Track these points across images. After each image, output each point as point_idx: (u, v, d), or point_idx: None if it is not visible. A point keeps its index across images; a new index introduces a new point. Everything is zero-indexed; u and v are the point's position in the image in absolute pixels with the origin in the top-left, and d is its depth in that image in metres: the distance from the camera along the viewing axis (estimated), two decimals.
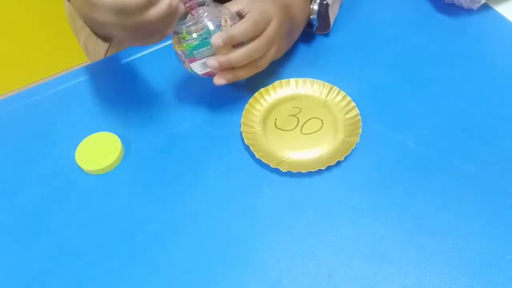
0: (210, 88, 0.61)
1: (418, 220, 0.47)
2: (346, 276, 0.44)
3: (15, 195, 0.53)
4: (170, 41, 0.68)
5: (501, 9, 0.67)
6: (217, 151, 0.54)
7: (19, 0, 1.47)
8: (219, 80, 0.51)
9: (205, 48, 0.50)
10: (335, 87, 0.57)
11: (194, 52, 0.50)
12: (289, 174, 0.51)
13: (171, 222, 0.49)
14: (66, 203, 0.52)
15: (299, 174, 0.51)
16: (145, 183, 0.52)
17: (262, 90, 0.58)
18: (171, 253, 0.47)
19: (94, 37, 0.59)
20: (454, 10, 0.67)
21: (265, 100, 0.58)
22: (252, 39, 0.50)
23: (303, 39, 0.66)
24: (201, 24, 0.49)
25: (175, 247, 0.47)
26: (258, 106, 0.57)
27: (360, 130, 0.53)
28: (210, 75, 0.52)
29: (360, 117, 0.54)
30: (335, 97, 0.57)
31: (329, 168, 0.51)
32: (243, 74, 0.52)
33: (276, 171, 0.51)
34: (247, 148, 0.53)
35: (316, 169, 0.50)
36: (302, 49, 0.65)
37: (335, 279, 0.44)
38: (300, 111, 0.57)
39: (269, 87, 0.58)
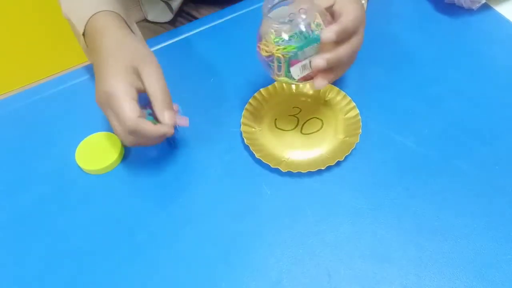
0: (210, 88, 0.61)
1: (418, 220, 0.47)
2: (346, 276, 0.44)
3: (15, 195, 0.53)
4: (169, 41, 0.68)
5: (501, 9, 0.67)
6: (217, 151, 0.54)
7: (19, 0, 1.47)
8: (322, 82, 0.46)
9: (309, 47, 0.45)
10: (335, 87, 0.57)
11: (299, 52, 0.45)
12: (289, 174, 0.51)
13: (171, 222, 0.49)
14: (66, 203, 0.52)
15: (299, 174, 0.51)
16: (145, 183, 0.52)
17: (262, 90, 0.58)
18: (171, 253, 0.47)
19: None
20: (454, 10, 0.67)
21: (265, 100, 0.58)
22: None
23: None
24: (289, 26, 0.45)
25: (175, 247, 0.47)
26: (258, 106, 0.57)
27: (360, 130, 0.53)
28: (306, 79, 0.47)
29: (360, 117, 0.54)
30: (335, 97, 0.57)
31: (329, 168, 0.51)
32: (342, 71, 0.48)
33: (276, 171, 0.51)
34: (247, 148, 0.53)
35: (316, 169, 0.50)
36: None
37: (335, 279, 0.44)
38: (300, 111, 0.57)
39: (269, 87, 0.58)
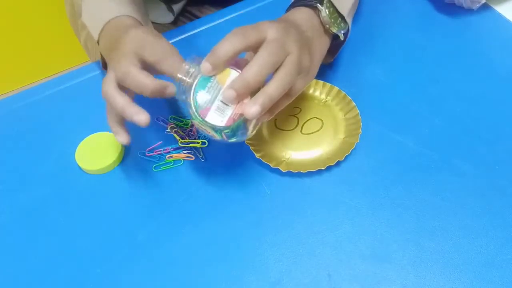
0: None
1: (418, 220, 0.47)
2: (346, 276, 0.44)
3: (15, 195, 0.53)
4: (170, 41, 0.68)
5: (501, 9, 0.67)
6: (217, 151, 0.54)
7: (19, 0, 1.47)
8: (253, 108, 0.39)
9: (207, 86, 0.42)
10: (335, 87, 0.57)
11: (197, 96, 0.42)
12: (289, 174, 0.51)
13: (171, 222, 0.49)
14: (66, 203, 0.52)
15: (299, 174, 0.51)
16: (145, 183, 0.52)
17: None
18: (171, 253, 0.47)
19: None
20: (454, 10, 0.67)
21: None
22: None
23: None
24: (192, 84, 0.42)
25: (175, 247, 0.47)
26: None
27: (360, 130, 0.53)
28: (240, 117, 0.42)
29: (360, 117, 0.54)
30: (335, 97, 0.57)
31: (329, 168, 0.51)
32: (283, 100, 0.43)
33: (276, 171, 0.51)
34: (247, 148, 0.53)
35: (316, 169, 0.50)
36: None
37: (335, 279, 0.44)
38: (300, 111, 0.57)
39: None
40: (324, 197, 0.50)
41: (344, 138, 0.54)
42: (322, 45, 0.50)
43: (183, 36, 0.69)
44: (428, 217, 0.47)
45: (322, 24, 0.50)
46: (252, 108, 0.39)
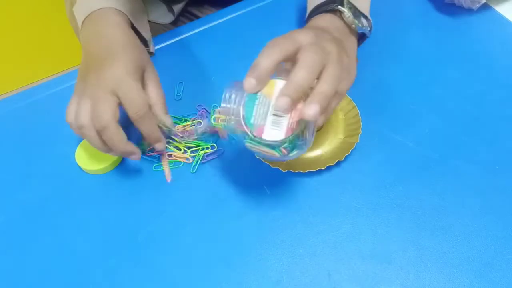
0: (210, 88, 0.61)
1: (418, 220, 0.47)
2: (346, 276, 0.44)
3: (15, 195, 0.53)
4: (169, 41, 0.68)
5: (501, 9, 0.67)
6: (216, 150, 0.54)
7: (19, 0, 1.47)
8: (312, 108, 0.37)
9: (255, 104, 0.40)
10: None
11: (250, 117, 0.40)
12: (289, 174, 0.51)
13: (171, 222, 0.49)
14: (66, 203, 0.52)
15: (299, 174, 0.51)
16: (145, 183, 0.52)
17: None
18: (171, 252, 0.47)
19: None
20: (454, 10, 0.67)
21: None
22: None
23: None
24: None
25: (175, 247, 0.47)
26: None
27: (360, 130, 0.52)
28: (297, 125, 0.40)
29: (360, 117, 0.54)
30: None
31: (329, 168, 0.51)
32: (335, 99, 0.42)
33: (276, 171, 0.51)
34: (247, 148, 0.53)
35: (316, 169, 0.50)
36: None
37: (335, 279, 0.44)
38: None
39: None
40: (324, 197, 0.50)
41: (344, 138, 0.54)
42: (352, 44, 0.51)
43: (183, 36, 0.69)
44: (428, 217, 0.47)
45: (347, 25, 0.51)
46: (312, 108, 0.37)
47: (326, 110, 0.42)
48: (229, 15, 0.71)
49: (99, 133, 0.46)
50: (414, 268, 0.44)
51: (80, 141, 0.56)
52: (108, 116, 0.45)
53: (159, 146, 0.50)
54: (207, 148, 0.54)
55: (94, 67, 0.48)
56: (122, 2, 0.55)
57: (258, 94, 0.40)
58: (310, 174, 0.51)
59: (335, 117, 0.56)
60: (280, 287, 0.44)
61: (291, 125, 0.40)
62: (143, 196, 0.51)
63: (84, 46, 0.52)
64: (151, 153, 0.54)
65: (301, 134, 0.41)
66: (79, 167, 0.54)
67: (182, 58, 0.66)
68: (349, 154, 0.51)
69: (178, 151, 0.54)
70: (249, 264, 0.45)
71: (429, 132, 0.54)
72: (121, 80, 0.46)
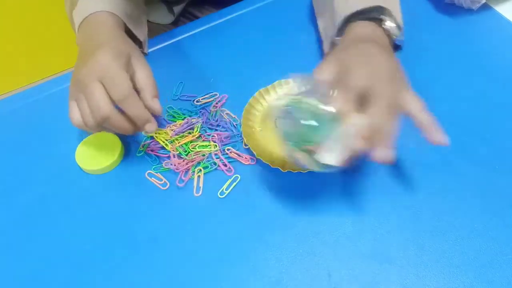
0: (210, 88, 0.61)
1: (418, 220, 0.47)
2: (346, 276, 0.44)
3: (15, 195, 0.53)
4: (169, 41, 0.68)
5: (501, 9, 0.67)
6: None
7: (19, 0, 1.47)
8: (386, 152, 0.39)
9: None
10: None
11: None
12: (289, 174, 0.51)
13: (171, 222, 0.49)
14: (66, 203, 0.52)
15: (299, 174, 0.51)
16: (145, 183, 0.52)
17: (262, 90, 0.58)
18: (171, 253, 0.47)
19: None
20: (454, 10, 0.67)
21: (265, 100, 0.58)
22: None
23: (303, 40, 0.66)
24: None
25: (175, 247, 0.47)
26: (258, 106, 0.57)
27: None
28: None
29: None
30: None
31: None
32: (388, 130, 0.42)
33: (276, 171, 0.51)
34: (247, 148, 0.53)
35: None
36: (302, 49, 0.65)
37: (335, 279, 0.44)
38: None
39: (269, 87, 0.58)
40: (324, 197, 0.50)
41: None
42: (392, 53, 0.50)
43: (183, 36, 0.69)
44: (428, 217, 0.47)
45: (386, 34, 0.50)
46: (385, 152, 0.39)
47: None
48: (229, 15, 0.71)
49: (119, 113, 0.47)
50: (414, 268, 0.44)
51: (80, 141, 0.56)
52: (106, 103, 0.45)
53: (149, 127, 0.48)
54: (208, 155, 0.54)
55: (80, 63, 0.49)
56: (118, 5, 0.55)
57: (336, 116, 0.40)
58: (310, 174, 0.51)
59: None
60: (280, 287, 0.44)
61: (347, 157, 0.40)
62: (143, 196, 0.51)
63: (79, 49, 0.53)
64: (151, 152, 0.54)
65: None
66: (79, 167, 0.54)
67: (182, 58, 0.66)
68: None
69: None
70: (249, 264, 0.45)
71: None
72: (103, 66, 0.46)
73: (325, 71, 0.43)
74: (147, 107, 0.48)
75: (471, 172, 0.50)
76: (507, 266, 0.43)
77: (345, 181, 0.51)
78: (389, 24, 0.50)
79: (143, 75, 0.50)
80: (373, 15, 0.51)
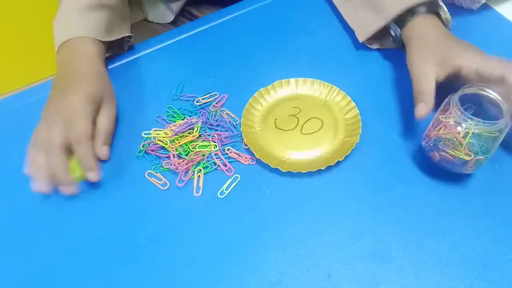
0: (210, 88, 0.61)
1: (418, 220, 0.47)
2: (346, 276, 0.44)
3: (15, 195, 0.53)
4: (169, 41, 0.68)
5: (501, 9, 0.67)
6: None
7: (19, 0, 1.47)
8: None
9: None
10: (335, 87, 0.57)
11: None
12: (289, 174, 0.51)
13: (171, 222, 0.49)
14: (66, 203, 0.52)
15: (299, 174, 0.51)
16: (145, 183, 0.52)
17: (262, 90, 0.58)
18: (171, 253, 0.47)
19: None
20: (454, 10, 0.67)
21: (265, 100, 0.58)
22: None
23: (303, 40, 0.66)
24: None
25: (175, 247, 0.47)
26: (258, 106, 0.57)
27: (360, 130, 0.53)
28: None
29: (360, 117, 0.54)
30: (335, 97, 0.57)
31: (329, 168, 0.51)
32: None
33: (276, 171, 0.51)
34: (247, 148, 0.53)
35: (316, 169, 0.50)
36: (302, 49, 0.65)
37: (335, 279, 0.44)
38: (300, 111, 0.57)
39: (269, 87, 0.58)
40: (324, 197, 0.50)
41: (344, 138, 0.54)
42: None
43: (183, 36, 0.69)
44: (428, 217, 0.47)
45: (442, 22, 0.57)
46: None
47: None
48: (229, 15, 0.71)
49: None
50: (414, 268, 0.44)
51: None
52: (58, 139, 0.49)
53: (90, 175, 0.50)
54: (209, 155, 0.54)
55: (56, 96, 0.54)
56: (97, 20, 0.59)
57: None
58: (310, 174, 0.51)
59: (335, 117, 0.56)
60: (280, 287, 0.44)
61: None
62: (143, 196, 0.51)
63: (57, 72, 0.57)
64: (151, 152, 0.54)
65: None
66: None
67: (182, 58, 0.66)
68: (349, 154, 0.51)
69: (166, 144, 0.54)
70: (249, 264, 0.45)
71: None
72: (70, 111, 0.50)
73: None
74: (96, 152, 0.51)
75: (471, 172, 0.50)
76: (507, 266, 0.43)
77: (345, 181, 0.51)
78: (444, 15, 0.57)
79: (105, 120, 0.53)
80: (433, 8, 0.56)
